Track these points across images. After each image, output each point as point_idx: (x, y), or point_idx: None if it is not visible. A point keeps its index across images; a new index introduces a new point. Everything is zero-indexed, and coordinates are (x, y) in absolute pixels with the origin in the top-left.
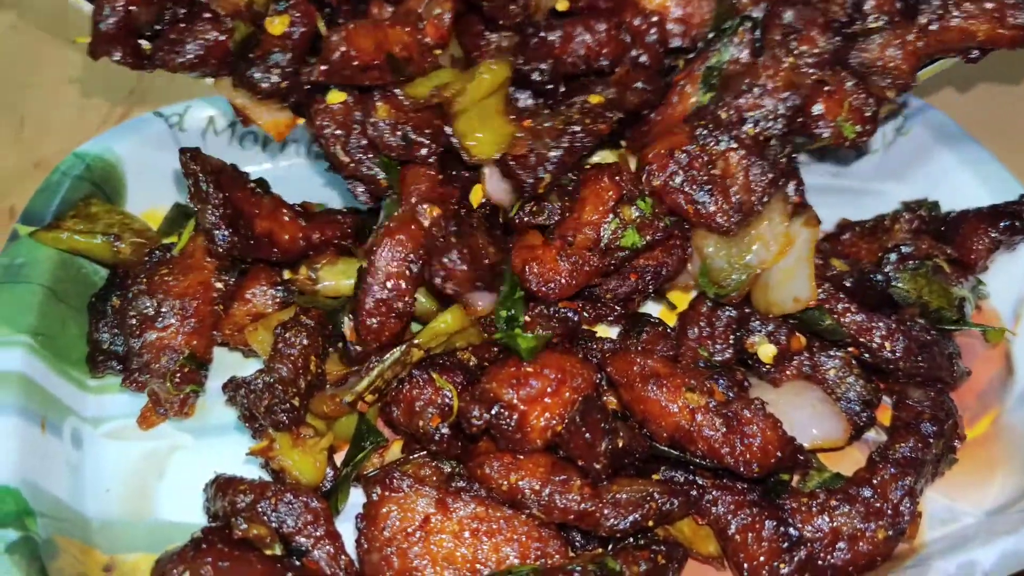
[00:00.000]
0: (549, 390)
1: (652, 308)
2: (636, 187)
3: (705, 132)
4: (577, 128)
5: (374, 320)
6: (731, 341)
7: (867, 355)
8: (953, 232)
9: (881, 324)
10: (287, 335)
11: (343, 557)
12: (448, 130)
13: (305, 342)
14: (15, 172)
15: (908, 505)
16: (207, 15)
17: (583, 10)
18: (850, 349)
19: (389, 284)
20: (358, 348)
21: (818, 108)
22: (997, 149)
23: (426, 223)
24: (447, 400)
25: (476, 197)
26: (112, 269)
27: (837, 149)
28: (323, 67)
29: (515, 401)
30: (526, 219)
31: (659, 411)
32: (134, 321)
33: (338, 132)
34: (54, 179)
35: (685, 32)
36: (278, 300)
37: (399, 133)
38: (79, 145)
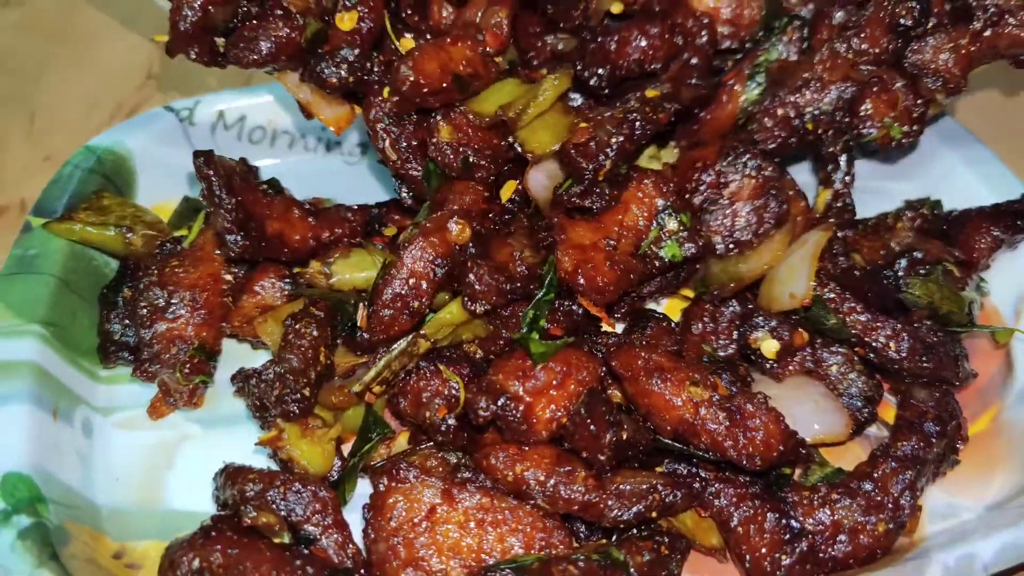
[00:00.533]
0: (554, 383)
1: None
2: (680, 197)
3: (731, 156)
4: (636, 116)
5: (388, 312)
6: (734, 337)
7: (872, 355)
8: (956, 231)
9: (886, 324)
10: (298, 326)
11: (351, 546)
12: (510, 139)
13: (315, 333)
14: (25, 166)
15: (908, 499)
16: (279, 11)
17: (637, 12)
18: (856, 348)
19: (411, 282)
20: (366, 336)
21: (866, 107)
22: (999, 150)
23: (451, 239)
24: (454, 391)
25: (507, 193)
26: (123, 261)
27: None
28: (395, 98)
29: (521, 393)
30: (574, 199)
31: (663, 404)
32: (145, 312)
33: (392, 128)
34: (65, 172)
35: (735, 33)
36: (286, 292)
37: (460, 156)
38: (88, 139)
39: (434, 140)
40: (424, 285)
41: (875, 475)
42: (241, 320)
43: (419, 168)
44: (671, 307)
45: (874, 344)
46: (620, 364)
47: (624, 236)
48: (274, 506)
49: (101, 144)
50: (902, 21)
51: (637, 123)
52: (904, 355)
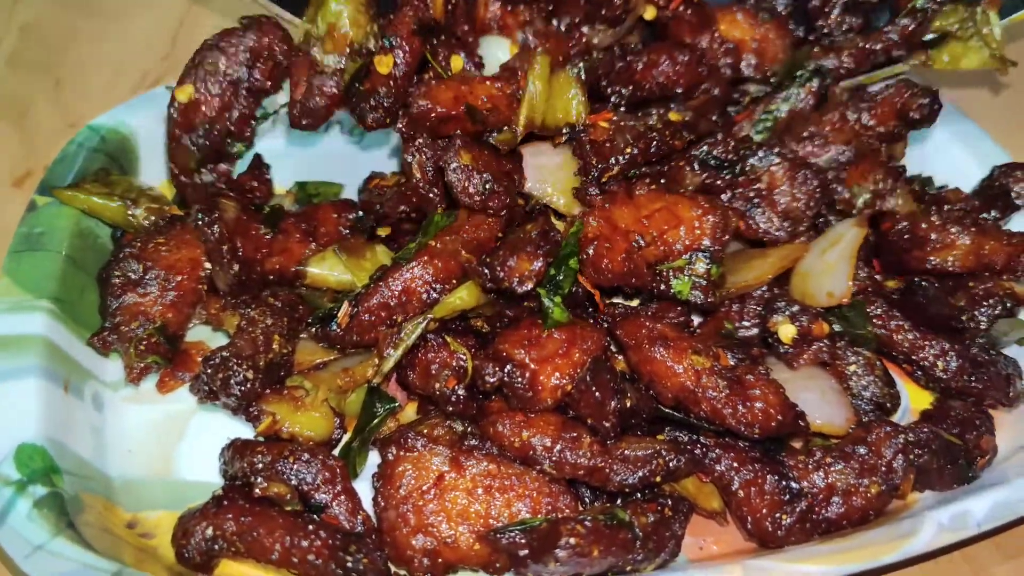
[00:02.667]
0: (560, 351)
1: None
2: (723, 248)
3: (749, 153)
4: (656, 135)
5: (369, 317)
6: (757, 319)
7: (920, 372)
8: None
9: (935, 343)
10: (252, 314)
11: (361, 512)
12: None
13: (269, 322)
14: (51, 131)
15: (901, 462)
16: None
17: (669, 20)
18: (904, 366)
19: (403, 297)
20: (340, 333)
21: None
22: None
23: (452, 269)
24: (462, 362)
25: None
26: (116, 242)
27: None
28: (405, 120)
29: (527, 361)
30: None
31: (664, 371)
32: (117, 281)
33: (425, 149)
34: (70, 150)
35: (758, 66)
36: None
37: (480, 179)
38: (113, 107)
39: (453, 165)
40: (414, 302)
41: (868, 439)
42: (217, 308)
43: (438, 194)
44: None
45: (922, 363)
46: (624, 333)
47: (655, 245)
48: (284, 476)
49: (105, 123)
50: (912, 114)
51: (654, 141)
52: (951, 374)
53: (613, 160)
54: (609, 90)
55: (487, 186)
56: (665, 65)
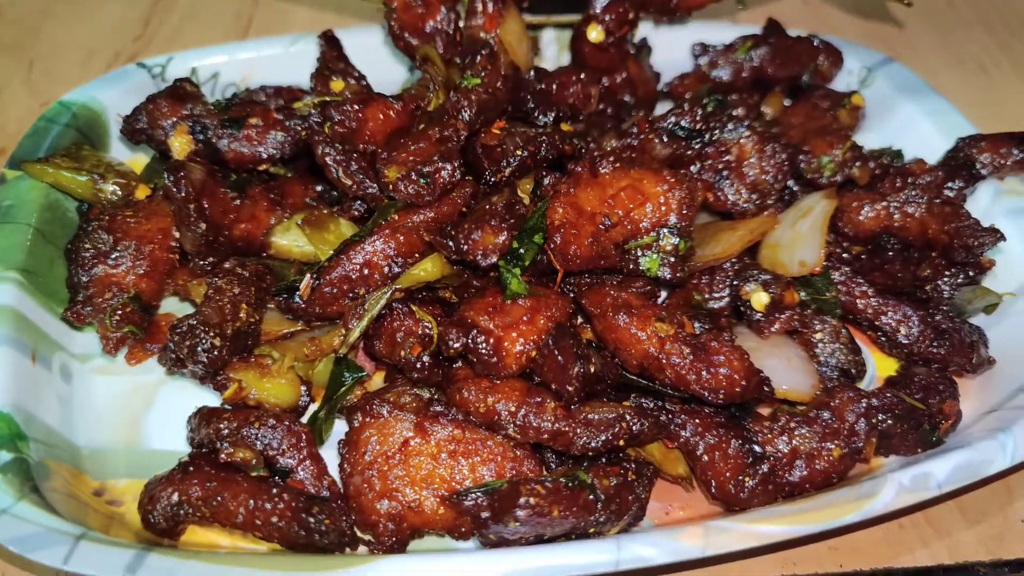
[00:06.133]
0: (524, 318)
1: None
2: (690, 223)
3: (717, 125)
4: (544, 139)
5: (331, 289)
6: (727, 290)
7: (883, 338)
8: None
9: (897, 309)
10: (219, 283)
11: (327, 477)
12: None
13: (236, 290)
14: (24, 112)
15: (863, 426)
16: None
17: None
18: (868, 332)
19: (365, 271)
20: (302, 305)
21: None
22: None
23: (415, 243)
24: (427, 330)
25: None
26: (83, 215)
27: None
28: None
29: (491, 327)
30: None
31: (628, 339)
32: (87, 254)
33: (340, 158)
34: (41, 126)
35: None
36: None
37: (415, 178)
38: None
39: (386, 183)
40: (376, 276)
41: (832, 404)
42: (185, 279)
43: (374, 185)
44: None
45: (884, 328)
46: (589, 302)
47: (622, 224)
48: (249, 441)
49: (76, 99)
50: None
51: (544, 145)
52: (913, 340)
53: (504, 163)
54: (536, 112)
55: (425, 173)
56: (575, 88)
